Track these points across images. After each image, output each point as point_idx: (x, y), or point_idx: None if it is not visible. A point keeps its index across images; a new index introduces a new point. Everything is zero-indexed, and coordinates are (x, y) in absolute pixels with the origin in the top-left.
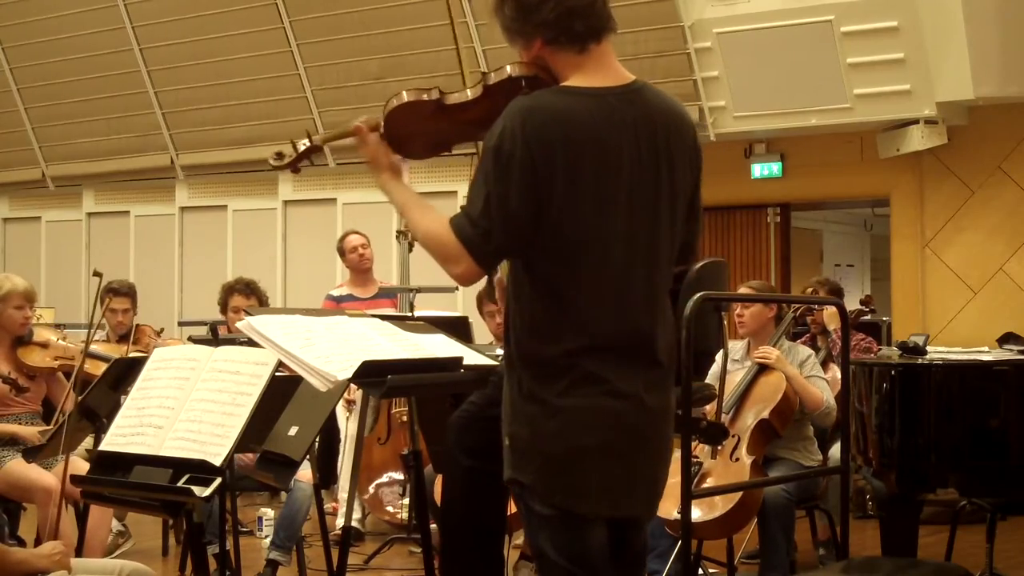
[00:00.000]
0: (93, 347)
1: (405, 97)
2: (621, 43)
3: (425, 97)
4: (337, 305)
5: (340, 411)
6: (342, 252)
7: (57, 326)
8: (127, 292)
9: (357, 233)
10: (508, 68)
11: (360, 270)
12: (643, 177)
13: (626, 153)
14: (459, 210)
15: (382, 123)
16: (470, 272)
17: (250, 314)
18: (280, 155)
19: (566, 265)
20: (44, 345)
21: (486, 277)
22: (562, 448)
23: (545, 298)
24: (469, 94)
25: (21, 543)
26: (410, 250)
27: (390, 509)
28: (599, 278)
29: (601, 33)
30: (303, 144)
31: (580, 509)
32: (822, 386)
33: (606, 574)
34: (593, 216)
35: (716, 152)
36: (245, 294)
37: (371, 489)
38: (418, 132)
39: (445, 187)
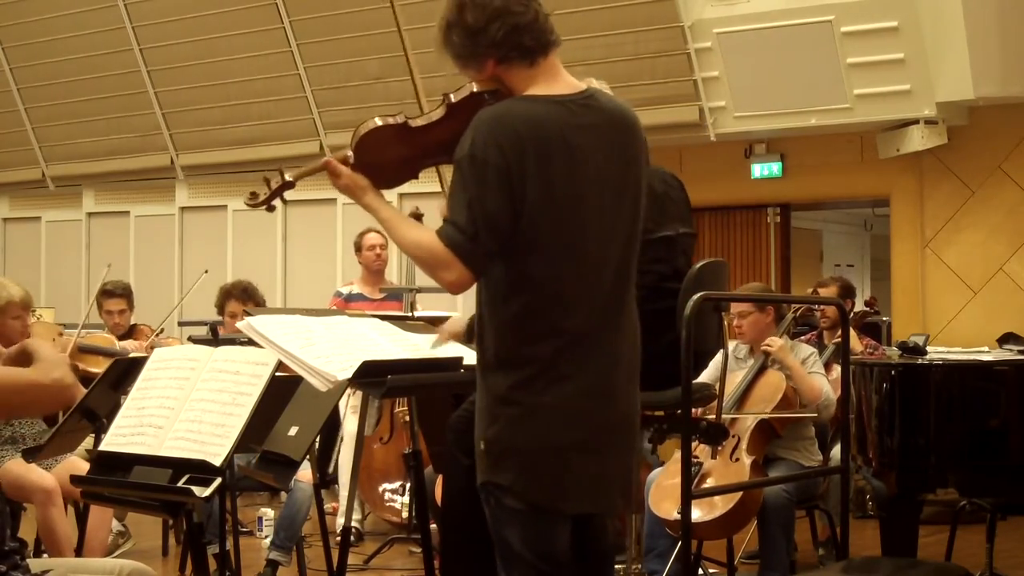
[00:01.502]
0: (86, 342)
1: (373, 124)
2: (621, 43)
3: (391, 121)
4: (346, 303)
5: (347, 411)
6: (358, 248)
7: (59, 326)
8: (122, 293)
9: (378, 232)
10: (472, 85)
11: (373, 270)
12: (609, 177)
13: (591, 154)
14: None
15: (351, 153)
16: (462, 278)
17: (250, 314)
18: (255, 195)
19: (542, 265)
20: None
21: None
22: (543, 447)
23: (522, 300)
24: (435, 115)
25: (22, 544)
26: None
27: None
28: (574, 276)
29: (548, 47)
30: (276, 182)
31: (562, 506)
32: (821, 381)
33: (568, 570)
34: (566, 215)
35: (716, 152)
36: (242, 300)
37: (379, 491)
38: (387, 159)
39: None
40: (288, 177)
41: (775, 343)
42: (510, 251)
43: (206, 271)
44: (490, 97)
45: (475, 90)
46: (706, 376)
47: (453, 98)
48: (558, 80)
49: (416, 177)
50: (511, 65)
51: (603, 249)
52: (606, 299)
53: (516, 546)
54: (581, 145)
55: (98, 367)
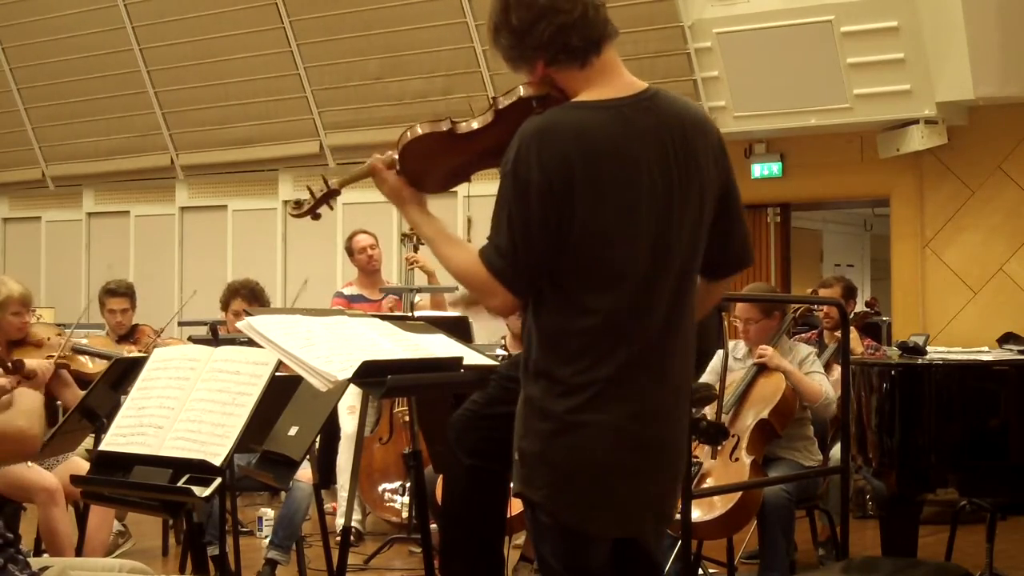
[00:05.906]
0: (85, 343)
1: (418, 131)
2: (621, 43)
3: (437, 129)
4: (349, 304)
5: (343, 411)
6: (350, 252)
7: (58, 326)
8: (125, 292)
9: (365, 233)
10: (520, 89)
11: (368, 271)
12: (665, 185)
13: (644, 163)
14: (486, 240)
15: (396, 159)
16: (507, 303)
17: (250, 314)
18: (299, 204)
19: (592, 281)
20: (38, 345)
21: None
22: (577, 466)
23: (569, 314)
24: (479, 122)
25: (16, 538)
26: (415, 251)
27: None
28: (624, 293)
29: (600, 43)
30: (320, 189)
31: (588, 528)
32: (820, 380)
33: None
34: (617, 229)
35: None
36: (248, 300)
37: (379, 491)
38: (434, 165)
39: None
40: (333, 184)
41: (767, 351)
42: (557, 273)
43: (195, 292)
44: (538, 104)
45: (522, 95)
46: (707, 377)
47: (501, 103)
48: (616, 80)
49: (468, 181)
50: (561, 67)
51: (657, 263)
52: (661, 326)
53: (550, 560)
54: (633, 154)
55: (91, 368)
